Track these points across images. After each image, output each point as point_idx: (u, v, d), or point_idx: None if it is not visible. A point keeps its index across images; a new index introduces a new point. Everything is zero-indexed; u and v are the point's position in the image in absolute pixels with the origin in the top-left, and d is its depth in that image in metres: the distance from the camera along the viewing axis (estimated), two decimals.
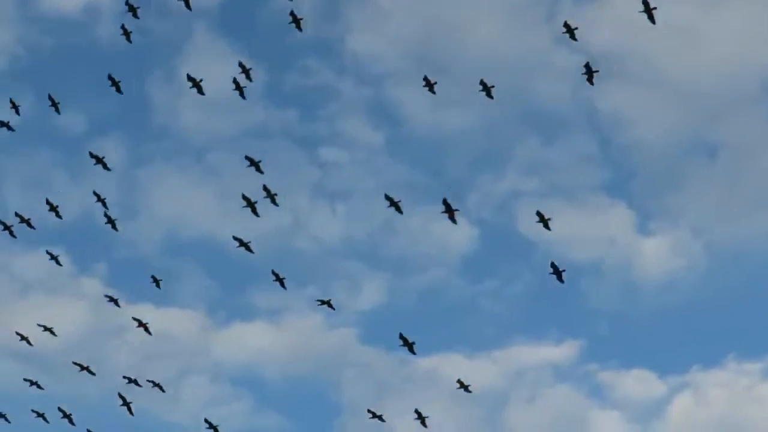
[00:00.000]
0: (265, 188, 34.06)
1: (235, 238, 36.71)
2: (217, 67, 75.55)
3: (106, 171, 37.10)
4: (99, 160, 39.56)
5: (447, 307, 78.35)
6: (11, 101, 36.11)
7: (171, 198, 68.99)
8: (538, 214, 37.90)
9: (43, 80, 74.83)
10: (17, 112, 36.47)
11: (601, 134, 79.71)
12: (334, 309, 37.95)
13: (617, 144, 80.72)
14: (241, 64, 33.43)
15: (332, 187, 70.73)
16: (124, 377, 41.47)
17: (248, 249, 36.34)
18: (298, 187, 63.84)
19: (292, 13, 32.91)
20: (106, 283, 74.68)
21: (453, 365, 74.99)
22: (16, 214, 37.70)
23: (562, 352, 74.69)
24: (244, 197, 34.20)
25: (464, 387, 36.97)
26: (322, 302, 38.03)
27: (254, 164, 35.30)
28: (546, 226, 38.39)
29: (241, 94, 33.90)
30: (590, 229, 77.48)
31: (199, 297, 73.76)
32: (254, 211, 34.48)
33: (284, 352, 78.36)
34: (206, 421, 39.50)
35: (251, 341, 73.86)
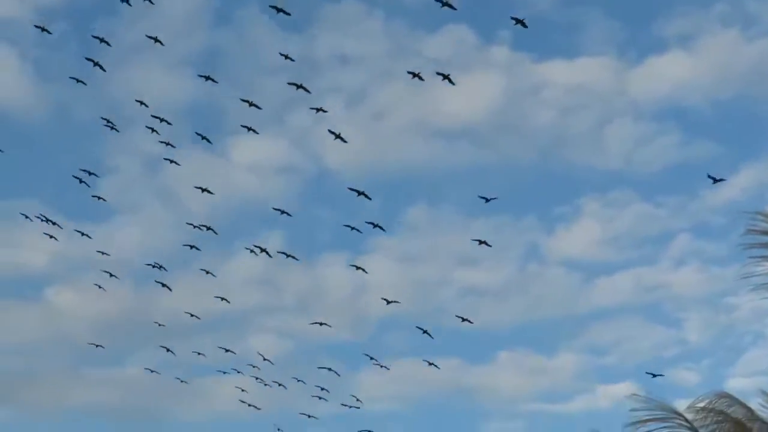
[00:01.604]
0: None
1: None
2: None
3: None
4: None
5: None
6: None
7: None
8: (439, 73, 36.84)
9: None
10: None
11: None
12: None
13: None
14: None
15: None
16: None
17: None
18: None
19: None
20: (513, 48, 72.30)
21: None
22: None
23: None
24: None
25: None
26: None
27: None
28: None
29: None
30: None
31: (605, 41, 70.22)
32: None
33: (705, 77, 74.84)
34: None
35: (668, 73, 70.68)
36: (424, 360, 50.59)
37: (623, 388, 76.47)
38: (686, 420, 18.35)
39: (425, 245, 77.20)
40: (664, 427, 18.33)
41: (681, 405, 18.74)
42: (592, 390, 78.55)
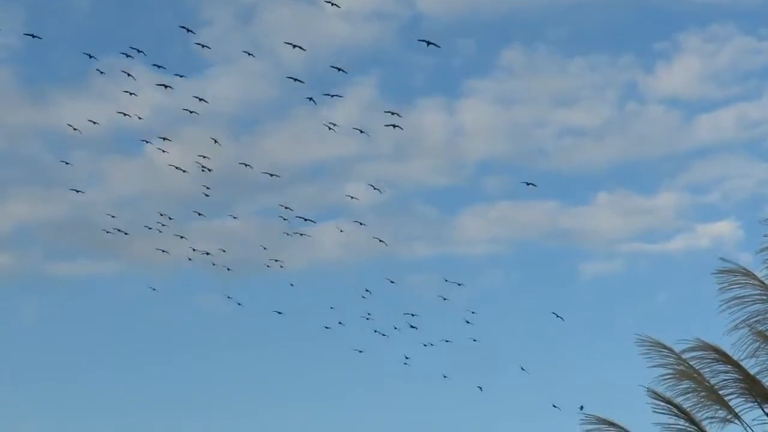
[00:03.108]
0: None
1: None
2: None
3: None
4: None
5: None
6: None
7: None
8: None
9: None
10: None
11: None
12: None
13: None
14: None
15: None
16: None
17: None
18: None
19: None
20: None
21: None
22: None
23: None
24: None
25: None
26: None
27: None
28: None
29: None
30: None
31: None
32: None
33: None
34: None
35: None
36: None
37: (724, 227, 75.46)
38: None
39: (521, 87, 76.02)
40: None
41: None
42: (693, 229, 77.82)
